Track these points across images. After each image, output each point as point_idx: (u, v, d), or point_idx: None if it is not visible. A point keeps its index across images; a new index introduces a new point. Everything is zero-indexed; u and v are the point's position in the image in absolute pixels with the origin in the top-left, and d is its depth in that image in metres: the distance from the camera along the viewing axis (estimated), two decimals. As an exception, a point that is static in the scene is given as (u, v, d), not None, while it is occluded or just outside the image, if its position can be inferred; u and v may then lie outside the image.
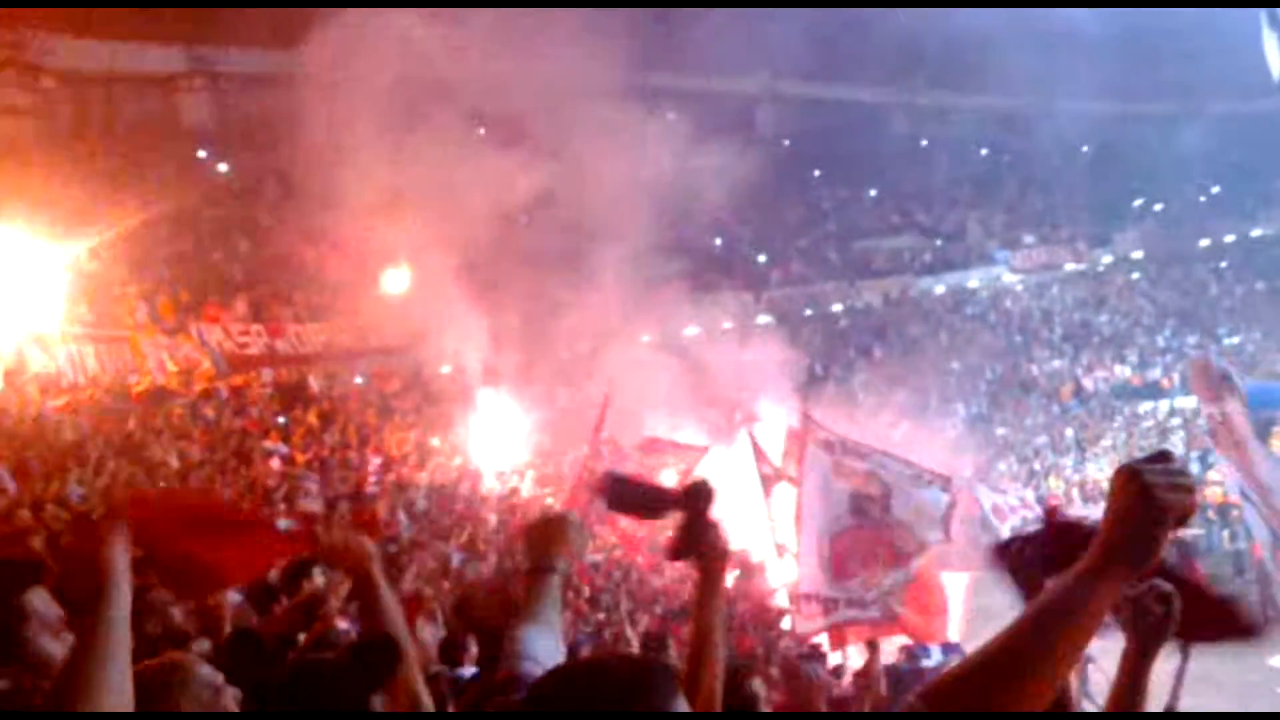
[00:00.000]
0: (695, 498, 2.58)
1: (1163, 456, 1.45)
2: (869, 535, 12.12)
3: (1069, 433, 31.07)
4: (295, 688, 2.34)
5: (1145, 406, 31.87)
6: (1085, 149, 43.36)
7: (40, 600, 1.77)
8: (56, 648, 1.74)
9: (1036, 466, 28.65)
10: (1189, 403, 31.17)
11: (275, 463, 14.84)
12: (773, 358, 25.36)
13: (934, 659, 11.87)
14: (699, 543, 2.56)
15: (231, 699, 2.34)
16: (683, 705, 1.44)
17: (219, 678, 2.35)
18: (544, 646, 2.28)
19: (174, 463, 13.54)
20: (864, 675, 9.63)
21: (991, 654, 1.40)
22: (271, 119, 24.77)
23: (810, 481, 11.94)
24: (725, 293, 30.22)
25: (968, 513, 14.21)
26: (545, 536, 2.52)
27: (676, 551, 2.60)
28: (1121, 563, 1.41)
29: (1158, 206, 42.07)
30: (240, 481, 13.72)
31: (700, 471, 15.84)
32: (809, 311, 34.01)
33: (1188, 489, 1.42)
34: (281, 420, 17.93)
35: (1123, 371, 33.69)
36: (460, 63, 22.86)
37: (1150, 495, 1.40)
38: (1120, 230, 40.88)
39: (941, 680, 1.42)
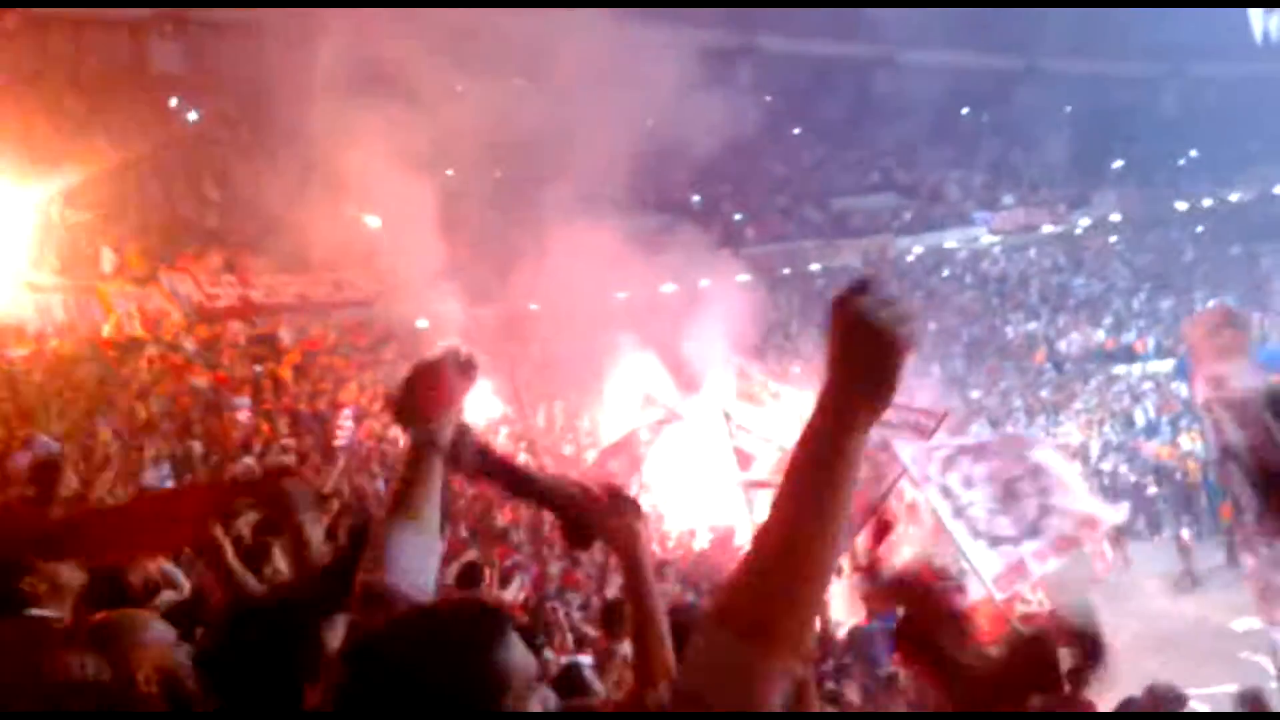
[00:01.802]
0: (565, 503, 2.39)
1: (864, 285, 1.38)
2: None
3: (1043, 394, 31.23)
4: (241, 624, 2.23)
5: (1119, 370, 32.05)
6: (1067, 109, 43.27)
7: None
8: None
9: (1009, 429, 28.78)
10: (1161, 367, 31.43)
11: (242, 415, 14.69)
12: (750, 316, 25.29)
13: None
14: (590, 532, 2.39)
15: (184, 654, 2.33)
16: (513, 651, 1.40)
17: (172, 634, 2.39)
18: (415, 550, 2.03)
19: (142, 414, 13.40)
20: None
21: (763, 540, 1.35)
22: (243, 65, 24.34)
23: None
24: (702, 250, 30.03)
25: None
26: (421, 398, 2.16)
27: (571, 542, 2.49)
28: (860, 399, 1.35)
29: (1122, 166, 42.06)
30: (208, 434, 13.59)
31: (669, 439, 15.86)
32: (787, 270, 33.93)
33: (905, 314, 1.37)
34: (257, 369, 17.78)
35: (1097, 335, 33.83)
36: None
37: (870, 324, 1.35)
38: (1099, 192, 40.90)
39: (726, 590, 1.36)
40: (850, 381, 1.35)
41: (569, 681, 5.24)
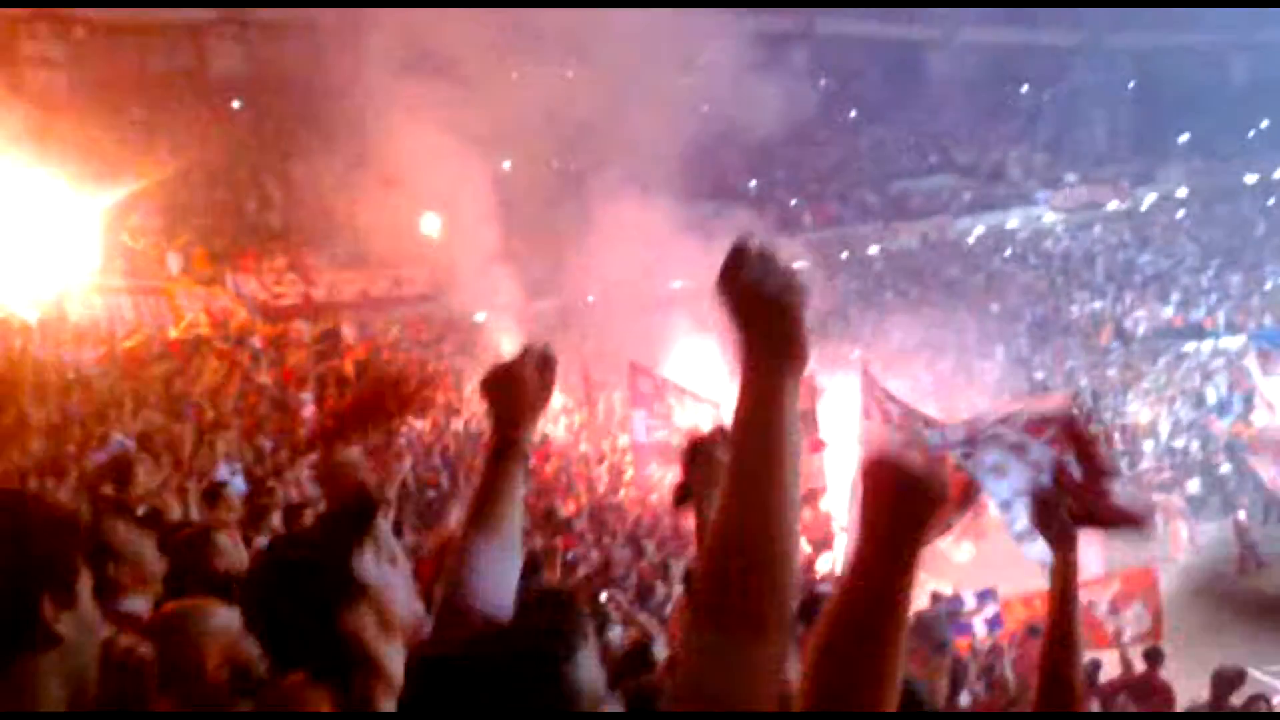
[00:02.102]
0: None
1: (738, 258, 1.36)
2: None
3: (1110, 374, 30.67)
4: (269, 559, 2.21)
5: (1188, 347, 31.36)
6: (1130, 84, 42.35)
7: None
8: (95, 614, 1.65)
9: (1075, 410, 28.35)
10: (1233, 343, 30.70)
11: (307, 412, 14.96)
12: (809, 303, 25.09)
13: (969, 605, 11.88)
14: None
15: (251, 644, 2.29)
16: (582, 671, 1.39)
17: (239, 620, 2.31)
18: (497, 566, 1.97)
19: (210, 412, 13.69)
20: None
21: (720, 528, 1.33)
22: (302, 65, 24.72)
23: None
24: (759, 236, 29.96)
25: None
26: (510, 395, 2.06)
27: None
28: (776, 368, 1.33)
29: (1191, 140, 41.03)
30: (275, 431, 13.85)
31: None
32: (845, 254, 33.67)
33: (780, 269, 1.35)
34: (321, 367, 18.11)
35: (1165, 312, 33.15)
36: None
37: (756, 294, 1.33)
38: (1164, 167, 39.99)
39: (699, 588, 1.35)
40: (764, 355, 1.34)
41: (636, 660, 5.29)
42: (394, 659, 1.89)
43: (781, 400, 1.33)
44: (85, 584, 1.61)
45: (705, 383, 17.81)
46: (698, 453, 2.43)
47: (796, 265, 1.38)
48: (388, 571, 2.05)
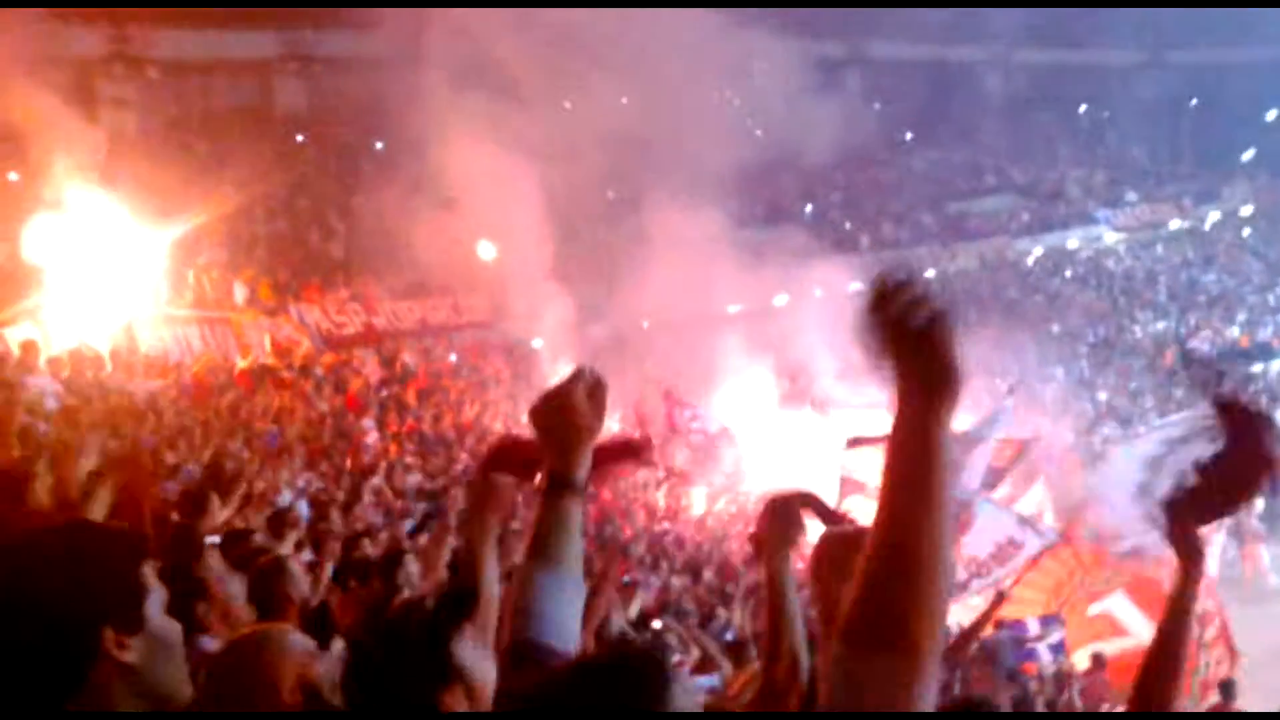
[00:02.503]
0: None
1: (882, 286, 1.37)
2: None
3: (1177, 394, 30.12)
4: (378, 629, 2.25)
5: (1256, 368, 30.73)
6: (1192, 101, 41.73)
7: (152, 575, 1.70)
8: (169, 625, 1.70)
9: (1140, 430, 27.86)
10: (1302, 363, 30.06)
11: (370, 439, 15.23)
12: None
13: (1033, 632, 11.77)
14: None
15: (324, 664, 2.39)
16: (675, 701, 1.38)
17: (311, 644, 2.42)
18: (562, 601, 1.95)
19: (277, 441, 13.99)
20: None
21: (875, 549, 1.34)
22: (363, 100, 25.22)
23: None
24: (815, 260, 29.91)
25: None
26: (564, 435, 2.00)
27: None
28: (931, 396, 1.34)
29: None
30: (341, 458, 14.11)
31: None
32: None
33: (923, 296, 1.36)
34: (383, 394, 18.44)
35: (1231, 332, 32.51)
36: (545, 36, 22.99)
37: (903, 328, 1.34)
38: (1229, 185, 39.30)
39: (851, 608, 1.35)
40: (914, 385, 1.35)
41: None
42: None
43: (935, 429, 1.35)
44: (156, 602, 1.66)
45: (754, 406, 17.93)
46: (776, 510, 2.52)
47: (938, 292, 1.38)
48: (482, 654, 2.08)
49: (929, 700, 1.31)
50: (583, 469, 1.99)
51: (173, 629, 1.70)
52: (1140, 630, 12.09)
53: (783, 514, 2.60)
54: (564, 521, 1.97)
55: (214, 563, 3.84)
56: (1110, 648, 12.15)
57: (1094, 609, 12.81)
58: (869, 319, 1.37)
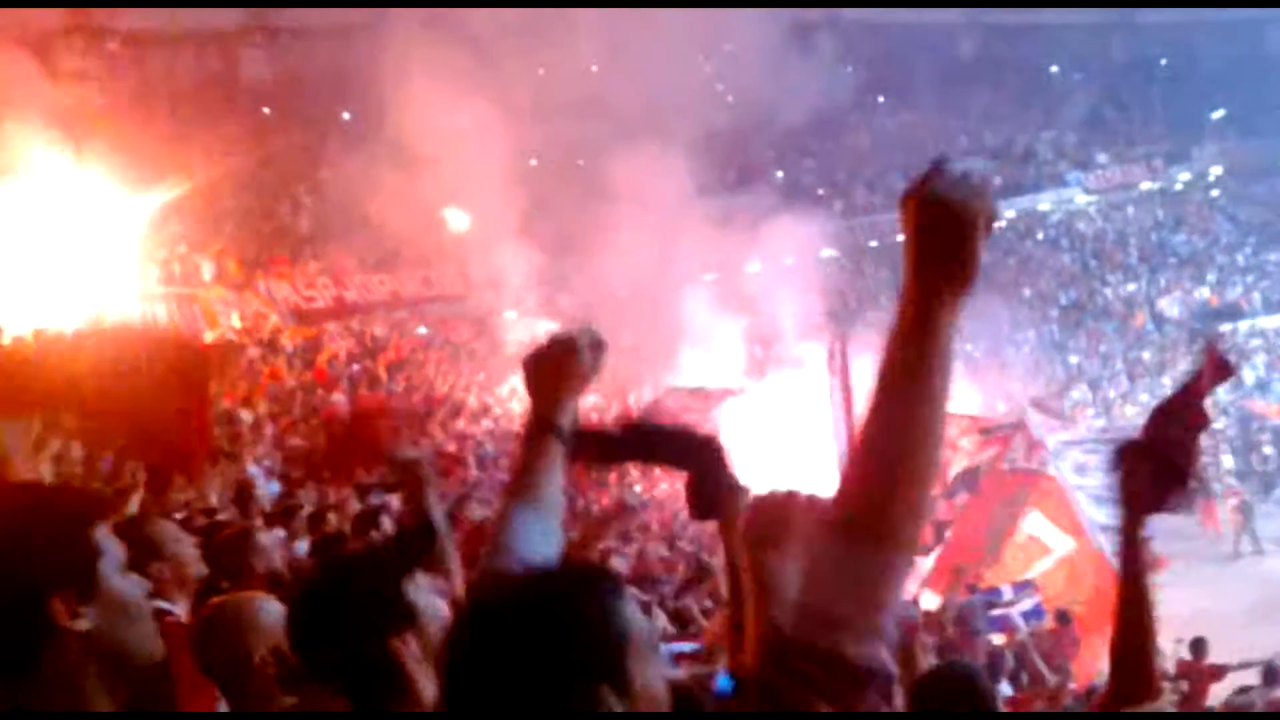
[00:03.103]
0: (703, 453, 2.43)
1: (937, 168, 1.34)
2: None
3: (1146, 356, 30.41)
4: (326, 577, 2.24)
5: (1225, 328, 31.02)
6: (1162, 61, 41.77)
7: (107, 536, 1.62)
8: (128, 585, 1.62)
9: (1111, 394, 28.15)
10: (1270, 322, 30.36)
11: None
12: (838, 289, 25.11)
13: (1006, 597, 11.90)
14: (717, 504, 2.42)
15: None
16: (630, 607, 1.31)
17: (283, 616, 2.33)
18: (535, 535, 1.95)
19: (246, 417, 13.94)
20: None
21: (865, 441, 1.31)
22: (330, 71, 24.96)
23: None
24: (786, 226, 29.95)
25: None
26: (548, 376, 2.04)
27: (697, 511, 2.51)
28: (943, 281, 1.31)
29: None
30: (310, 432, 14.08)
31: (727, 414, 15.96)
32: (874, 243, 33.53)
33: (979, 187, 1.32)
34: (355, 368, 18.39)
35: (1200, 293, 32.78)
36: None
37: (943, 202, 1.31)
38: (1199, 145, 39.45)
39: (838, 499, 1.32)
40: (932, 264, 1.32)
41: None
42: (429, 683, 1.87)
43: (940, 315, 1.31)
44: (112, 562, 1.59)
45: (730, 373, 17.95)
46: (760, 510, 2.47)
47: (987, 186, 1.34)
48: (436, 601, 2.07)
49: (901, 589, 1.31)
50: (568, 416, 2.02)
51: (133, 588, 1.64)
52: (1059, 544, 12.33)
53: (772, 515, 2.52)
54: (545, 461, 1.99)
55: (166, 525, 3.83)
56: (1044, 566, 12.44)
57: (1020, 535, 12.95)
58: (912, 190, 1.34)
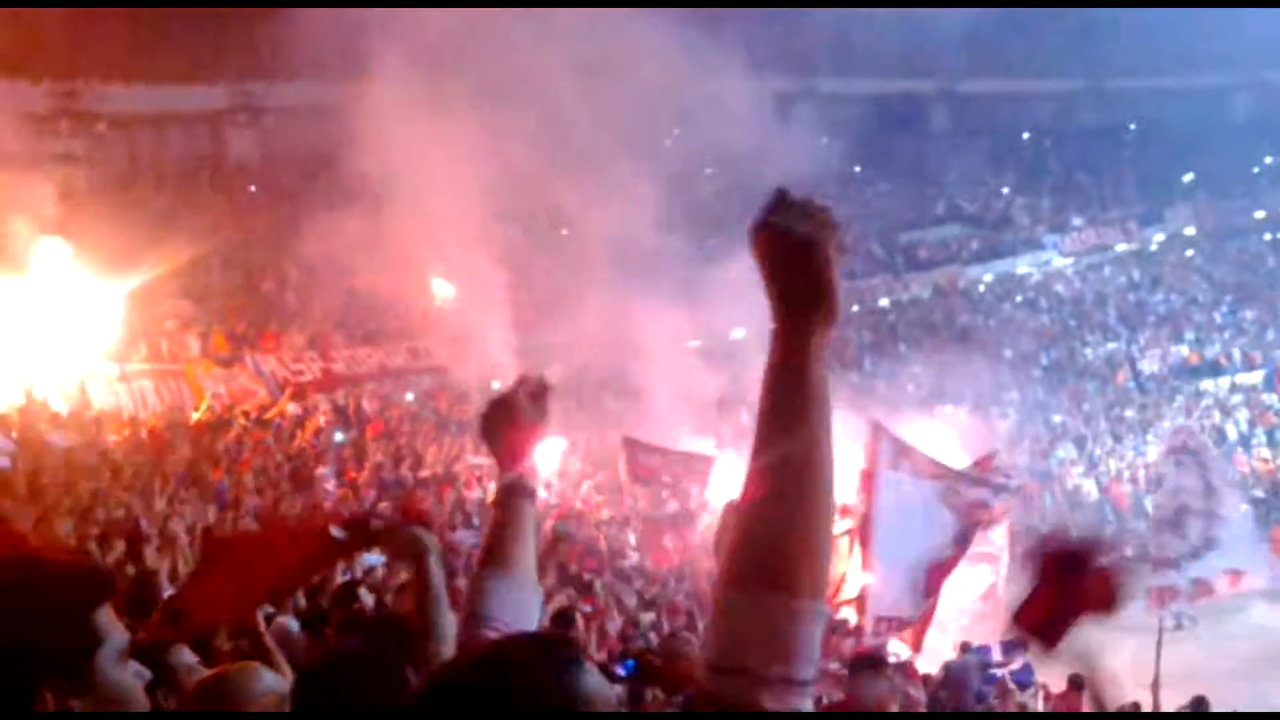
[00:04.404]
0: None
1: (774, 205, 1.34)
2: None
3: (1129, 414, 30.59)
4: (329, 669, 2.31)
5: (1206, 385, 31.31)
6: (1132, 126, 42.69)
7: (110, 622, 1.53)
8: (125, 677, 1.53)
9: (1096, 452, 28.28)
10: (1250, 379, 30.66)
11: (330, 485, 15.19)
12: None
13: (995, 658, 11.85)
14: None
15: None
16: (590, 677, 1.30)
17: (283, 684, 2.42)
18: (514, 603, 1.95)
19: (233, 490, 13.92)
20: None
21: (752, 489, 1.28)
22: (314, 148, 25.26)
23: (895, 507, 11.68)
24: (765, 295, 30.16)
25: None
26: (507, 425, 2.06)
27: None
28: (809, 318, 1.31)
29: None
30: (297, 506, 14.04)
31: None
32: (856, 307, 33.83)
33: (823, 215, 1.33)
34: (340, 438, 18.35)
35: (1180, 351, 33.13)
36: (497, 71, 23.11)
37: (788, 238, 1.31)
38: (1171, 207, 40.18)
39: (731, 553, 1.27)
40: (792, 297, 1.31)
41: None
42: None
43: (810, 350, 1.29)
44: (111, 652, 1.50)
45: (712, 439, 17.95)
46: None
47: (830, 213, 1.34)
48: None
49: (816, 638, 1.25)
50: (533, 474, 2.07)
51: (129, 685, 1.56)
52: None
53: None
54: (516, 522, 2.01)
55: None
56: None
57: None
58: (757, 228, 1.34)
